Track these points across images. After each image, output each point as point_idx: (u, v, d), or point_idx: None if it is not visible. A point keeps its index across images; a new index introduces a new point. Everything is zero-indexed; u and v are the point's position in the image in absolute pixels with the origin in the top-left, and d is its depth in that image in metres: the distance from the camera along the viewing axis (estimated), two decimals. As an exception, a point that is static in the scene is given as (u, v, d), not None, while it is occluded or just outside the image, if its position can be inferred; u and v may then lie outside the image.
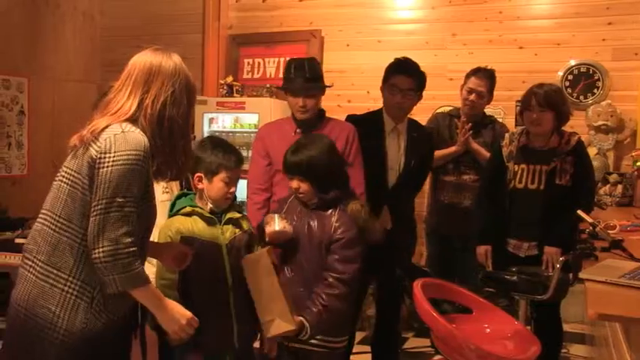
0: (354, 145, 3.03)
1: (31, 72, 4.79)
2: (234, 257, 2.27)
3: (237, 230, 2.32)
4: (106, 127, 1.66)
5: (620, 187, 4.19)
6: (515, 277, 2.94)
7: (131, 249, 1.59)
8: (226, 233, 2.29)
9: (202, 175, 2.29)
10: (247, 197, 3.02)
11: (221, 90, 4.99)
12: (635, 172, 4.12)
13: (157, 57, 1.77)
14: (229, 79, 5.00)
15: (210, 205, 2.29)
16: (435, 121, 3.89)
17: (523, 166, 3.15)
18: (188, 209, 2.27)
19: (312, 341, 2.33)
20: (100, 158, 1.62)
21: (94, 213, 1.61)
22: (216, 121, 4.87)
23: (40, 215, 1.74)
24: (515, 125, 4.25)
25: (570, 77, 4.64)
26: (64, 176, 1.71)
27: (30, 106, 4.73)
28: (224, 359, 2.22)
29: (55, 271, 1.65)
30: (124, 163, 1.61)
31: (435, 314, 2.42)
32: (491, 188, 3.27)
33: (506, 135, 3.30)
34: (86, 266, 1.66)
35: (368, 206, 2.46)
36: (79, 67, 5.21)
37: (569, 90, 4.62)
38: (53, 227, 1.68)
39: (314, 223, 2.38)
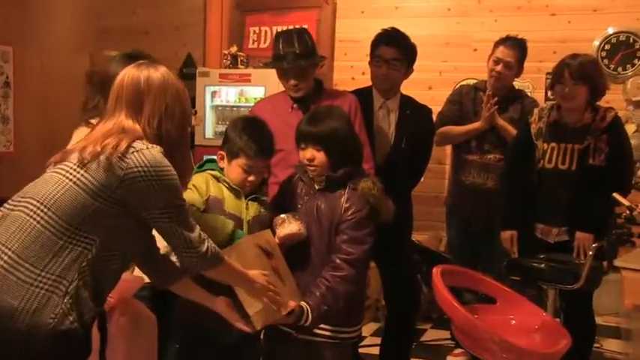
0: (358, 117, 3.04)
1: (16, 40, 4.74)
2: (252, 231, 2.32)
3: (262, 209, 2.40)
4: (129, 145, 1.74)
5: (661, 168, 4.19)
6: (543, 265, 2.95)
7: (208, 243, 1.84)
8: (250, 209, 2.36)
9: (224, 153, 2.36)
10: None
11: (224, 61, 5.01)
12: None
13: (142, 73, 1.84)
14: (233, 49, 5.01)
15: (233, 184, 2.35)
16: (459, 95, 3.90)
17: (553, 144, 3.16)
18: (217, 173, 2.35)
19: (321, 331, 2.33)
20: (137, 172, 1.73)
21: (162, 222, 1.79)
22: (219, 94, 4.89)
23: (20, 202, 1.75)
24: (545, 100, 4.28)
25: (607, 47, 4.61)
26: (70, 173, 1.73)
27: (16, 78, 4.69)
28: (230, 335, 2.23)
29: (26, 265, 1.66)
30: (167, 176, 1.77)
31: (455, 304, 2.42)
32: (517, 168, 3.27)
33: (535, 110, 3.30)
34: (65, 261, 1.67)
35: (380, 183, 2.45)
36: (70, 35, 5.14)
37: (606, 61, 4.59)
38: (37, 219, 1.69)
39: (322, 205, 2.37)
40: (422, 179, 3.66)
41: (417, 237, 4.18)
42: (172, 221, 1.77)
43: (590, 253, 2.79)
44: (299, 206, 2.43)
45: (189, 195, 2.19)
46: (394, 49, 3.22)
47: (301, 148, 2.39)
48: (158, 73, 1.84)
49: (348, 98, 3.10)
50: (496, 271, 3.22)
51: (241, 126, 2.37)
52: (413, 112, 3.36)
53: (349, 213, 2.32)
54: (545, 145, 3.16)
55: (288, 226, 2.33)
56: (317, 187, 2.40)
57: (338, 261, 2.29)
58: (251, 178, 2.33)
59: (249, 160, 2.31)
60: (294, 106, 3.02)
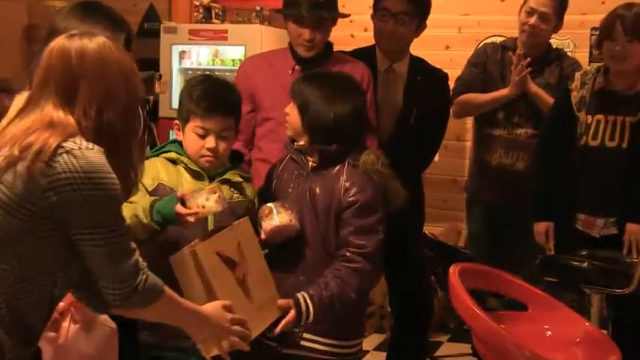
0: (369, 91, 3.13)
1: None
2: (222, 222, 2.27)
3: (235, 194, 2.40)
4: (58, 145, 1.66)
5: None
6: (585, 264, 2.95)
7: (143, 274, 1.72)
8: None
9: (178, 122, 2.41)
10: None
11: (196, 14, 5.14)
12: None
13: (74, 45, 1.74)
14: None
15: (193, 164, 2.36)
16: (482, 55, 3.92)
17: (599, 116, 3.17)
18: (173, 155, 2.37)
19: (313, 344, 2.33)
20: (64, 180, 1.63)
21: (91, 246, 1.69)
22: (189, 55, 4.99)
23: None
24: (590, 62, 4.26)
25: None
26: None
27: None
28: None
29: None
30: (104, 186, 1.68)
31: (477, 311, 2.42)
32: (554, 145, 3.30)
33: (577, 75, 3.31)
34: None
35: (386, 157, 2.45)
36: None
37: None
38: None
39: (317, 189, 2.39)
40: (436, 159, 3.74)
41: (430, 229, 4.25)
42: (104, 247, 1.68)
43: (645, 249, 2.81)
44: (289, 191, 2.45)
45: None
46: (403, 1, 3.28)
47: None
48: (94, 44, 1.75)
49: (360, 68, 3.16)
50: (528, 271, 3.25)
51: (193, 83, 2.43)
52: (425, 77, 3.41)
53: (350, 195, 2.35)
54: (590, 118, 3.17)
55: (277, 217, 2.30)
56: (310, 168, 2.43)
57: (349, 254, 2.32)
58: (208, 144, 2.32)
59: (201, 120, 2.32)
60: (297, 67, 3.06)
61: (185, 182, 2.33)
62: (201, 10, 5.03)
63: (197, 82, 2.45)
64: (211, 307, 1.92)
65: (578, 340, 2.64)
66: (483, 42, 4.51)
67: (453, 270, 2.64)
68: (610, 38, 3.12)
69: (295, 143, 2.48)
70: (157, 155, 2.40)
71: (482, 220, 3.97)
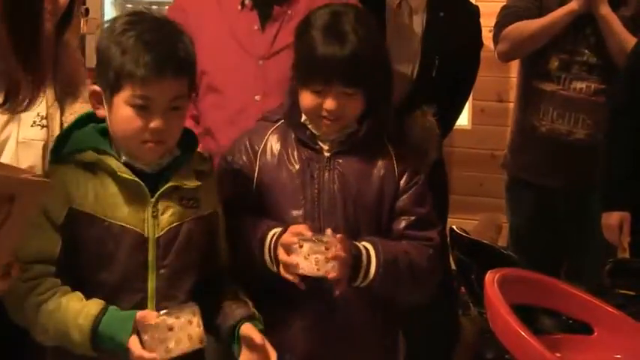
0: None
1: None
2: (169, 258, 2.14)
3: (187, 211, 2.19)
4: None
5: None
6: None
7: None
8: (163, 214, 2.14)
9: (99, 90, 2.13)
10: None
11: None
12: None
13: None
14: None
15: (124, 158, 2.12)
16: None
17: None
18: (91, 155, 2.09)
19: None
20: None
21: None
22: None
23: None
24: None
25: None
26: None
27: None
28: None
29: None
30: None
31: (524, 334, 2.29)
32: (633, 108, 3.32)
33: None
34: None
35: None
36: None
37: None
38: None
39: (353, 180, 2.41)
40: (467, 125, 4.12)
41: (458, 222, 4.18)
42: None
43: None
44: (298, 187, 2.40)
45: (37, 240, 2.01)
46: None
47: (313, 90, 2.33)
48: None
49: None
50: (594, 279, 3.19)
51: (119, 26, 2.09)
52: (450, 13, 3.44)
53: (405, 178, 2.46)
54: None
55: (312, 263, 2.26)
56: (327, 151, 2.43)
57: (415, 243, 2.46)
58: (155, 123, 2.06)
59: (141, 86, 2.04)
60: (247, 2, 3.04)
61: (114, 201, 2.08)
62: None
63: (126, 24, 2.11)
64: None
65: None
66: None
67: (491, 278, 2.50)
68: None
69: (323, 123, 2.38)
70: (65, 160, 2.12)
71: (529, 210, 4.03)
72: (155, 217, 2.12)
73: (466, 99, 3.85)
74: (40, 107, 2.64)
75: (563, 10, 3.81)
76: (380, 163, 2.43)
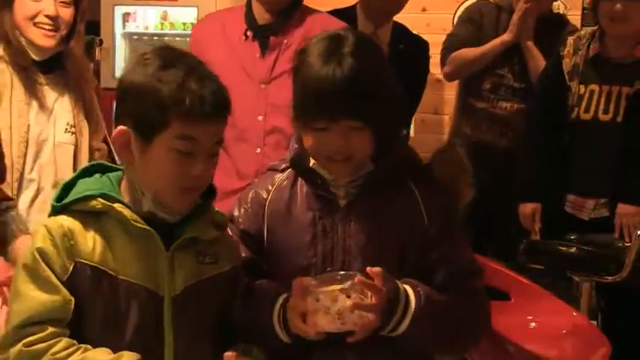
0: None
1: None
2: (187, 319, 1.74)
3: (206, 268, 1.78)
4: None
5: None
6: (574, 249, 2.99)
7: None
8: (179, 270, 1.73)
9: (130, 129, 1.68)
10: None
11: None
12: None
13: None
14: None
15: (148, 205, 1.71)
16: (478, 13, 4.01)
17: (593, 86, 3.21)
18: (97, 203, 1.69)
19: None
20: None
21: None
22: (134, 17, 5.04)
23: None
24: (582, 26, 4.38)
25: None
26: None
27: None
28: None
29: None
30: None
31: None
32: (543, 119, 3.34)
33: (570, 40, 3.36)
34: None
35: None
36: None
37: None
38: None
39: (372, 232, 1.87)
40: (411, 134, 3.99)
41: None
42: None
43: (639, 233, 2.84)
44: (308, 242, 1.90)
45: (24, 302, 1.63)
46: None
47: (317, 127, 1.82)
48: None
49: (336, 25, 2.84)
50: (511, 258, 3.27)
51: (158, 62, 1.67)
52: (407, 45, 3.51)
53: (435, 227, 1.87)
54: (583, 88, 3.21)
55: (346, 318, 1.71)
56: (341, 199, 1.89)
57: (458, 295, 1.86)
58: (197, 170, 1.67)
59: (197, 126, 1.65)
60: (248, 33, 2.92)
61: (125, 254, 1.69)
62: (147, -34, 5.00)
63: (166, 59, 1.69)
64: None
65: (565, 331, 2.67)
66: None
67: None
68: None
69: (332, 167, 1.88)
70: (69, 209, 1.71)
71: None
72: (171, 272, 1.72)
73: (413, 114, 3.90)
74: (69, 117, 2.69)
75: (497, 40, 3.80)
76: (404, 208, 1.88)
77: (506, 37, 3.77)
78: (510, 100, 3.78)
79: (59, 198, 1.72)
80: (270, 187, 2.00)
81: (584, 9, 4.51)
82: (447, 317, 1.81)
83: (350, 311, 1.68)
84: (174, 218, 1.72)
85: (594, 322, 3.00)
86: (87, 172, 1.80)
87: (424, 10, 4.86)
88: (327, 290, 1.70)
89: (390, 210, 1.89)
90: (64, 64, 2.70)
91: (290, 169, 1.99)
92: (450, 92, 4.46)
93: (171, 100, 1.61)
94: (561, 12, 4.57)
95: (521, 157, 3.46)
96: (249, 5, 2.97)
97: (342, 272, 1.76)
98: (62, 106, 2.69)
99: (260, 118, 2.93)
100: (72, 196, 1.71)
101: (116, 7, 4.96)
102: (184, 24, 4.88)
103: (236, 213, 2.01)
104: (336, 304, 1.69)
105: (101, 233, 1.69)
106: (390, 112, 1.85)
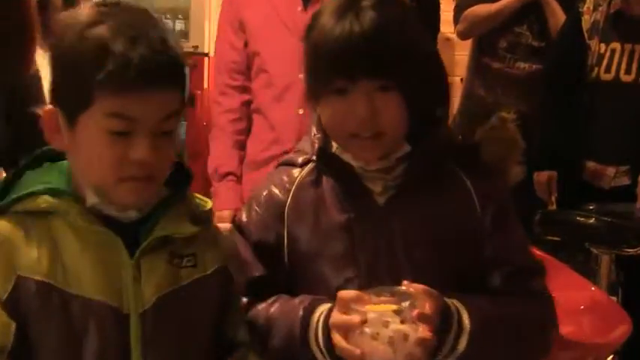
0: None
1: None
2: (160, 340, 1.46)
3: (182, 273, 1.49)
4: None
5: None
6: (593, 220, 2.96)
7: None
8: (148, 279, 1.45)
9: (55, 110, 1.43)
10: (212, 103, 2.98)
11: None
12: None
13: None
14: None
15: (92, 200, 1.43)
16: None
17: (615, 44, 3.17)
18: (44, 201, 1.42)
19: None
20: None
21: None
22: None
23: None
24: None
25: None
26: None
27: None
28: None
29: None
30: None
31: None
32: (561, 80, 3.31)
33: None
34: None
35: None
36: None
37: None
38: None
39: (421, 231, 1.64)
40: None
41: None
42: None
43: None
44: (346, 263, 1.64)
45: None
46: None
47: (334, 90, 1.58)
48: None
49: None
50: (526, 229, 3.13)
51: (88, 19, 1.38)
52: (418, 2, 3.40)
53: (489, 218, 1.66)
54: (603, 47, 3.18)
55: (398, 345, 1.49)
56: (380, 193, 1.64)
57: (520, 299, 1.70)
58: (137, 152, 1.36)
59: (121, 102, 1.35)
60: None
61: (78, 264, 1.41)
62: None
63: (95, 15, 1.39)
64: None
65: (583, 307, 2.60)
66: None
67: None
68: None
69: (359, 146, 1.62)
70: (8, 211, 1.42)
71: None
72: (137, 283, 1.43)
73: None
74: None
75: None
76: (453, 199, 1.65)
77: None
78: (529, 60, 3.83)
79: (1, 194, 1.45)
80: (288, 186, 1.70)
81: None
82: (509, 329, 1.59)
83: (403, 339, 1.44)
84: (129, 217, 1.44)
85: (614, 298, 2.95)
86: (36, 161, 1.50)
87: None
88: (378, 310, 1.46)
89: (439, 203, 1.63)
90: None
91: (310, 164, 1.70)
92: (462, 52, 4.57)
93: (91, 68, 1.32)
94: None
95: (537, 121, 3.42)
96: None
97: (393, 288, 1.49)
98: None
99: (301, 76, 2.67)
100: (13, 193, 1.42)
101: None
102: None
103: (245, 219, 1.71)
104: (386, 329, 1.44)
105: (48, 239, 1.40)
106: (421, 72, 1.58)
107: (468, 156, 1.69)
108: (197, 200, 1.55)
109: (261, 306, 1.62)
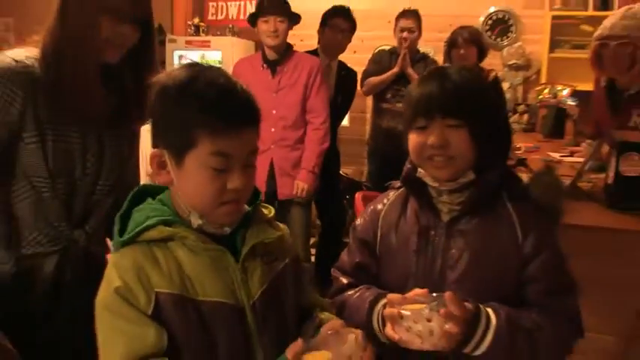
0: (318, 76, 4.12)
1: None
2: (269, 324, 1.63)
3: (271, 267, 1.67)
4: None
5: (526, 116, 6.23)
6: None
7: None
8: (252, 277, 1.62)
9: (162, 152, 1.54)
10: None
11: (189, 30, 6.67)
12: (538, 104, 5.97)
13: None
14: (196, 20, 6.68)
15: (197, 222, 1.57)
16: (379, 56, 5.42)
17: None
18: (163, 230, 1.55)
19: None
20: None
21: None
22: (185, 58, 6.28)
23: None
24: (444, 61, 5.46)
25: (489, 22, 6.65)
26: None
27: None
28: None
29: None
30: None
31: None
32: None
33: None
34: None
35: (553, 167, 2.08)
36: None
37: (489, 33, 6.59)
38: None
39: (473, 247, 1.79)
40: (347, 125, 5.26)
41: (344, 170, 5.79)
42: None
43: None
44: (410, 262, 1.86)
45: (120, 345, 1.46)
46: (349, 23, 4.71)
47: (417, 127, 1.80)
48: None
49: (311, 60, 4.10)
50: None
51: (187, 77, 1.50)
52: (346, 73, 4.96)
53: (529, 245, 1.79)
54: None
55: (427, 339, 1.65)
56: (446, 213, 1.84)
57: (548, 313, 1.75)
58: (233, 184, 1.51)
59: (222, 142, 1.48)
60: (264, 65, 3.89)
61: (200, 276, 1.55)
62: (192, 27, 6.53)
63: (189, 75, 1.51)
64: None
65: None
66: (378, 48, 6.07)
67: (358, 196, 3.20)
68: (455, 46, 4.65)
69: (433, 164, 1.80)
70: (133, 242, 1.54)
71: (377, 164, 5.34)
72: (244, 282, 1.60)
73: (346, 113, 5.18)
74: None
75: (390, 72, 5.04)
76: (501, 226, 1.81)
77: (395, 69, 5.06)
78: (402, 101, 4.52)
79: (120, 232, 1.55)
80: (385, 201, 1.96)
81: (444, 54, 5.40)
82: (532, 342, 1.70)
83: (429, 334, 1.60)
84: (224, 231, 1.58)
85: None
86: (137, 199, 1.62)
87: (355, 52, 5.99)
88: (411, 309, 1.63)
89: (488, 226, 1.78)
90: None
91: (403, 189, 1.93)
92: (370, 100, 5.62)
93: (195, 117, 1.45)
94: (431, 54, 5.96)
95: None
96: (262, 50, 4.02)
97: (434, 294, 1.64)
98: None
99: (274, 111, 4.00)
100: (132, 227, 1.54)
101: (175, 51, 6.29)
102: (214, 61, 6.15)
103: (358, 222, 1.98)
104: (417, 324, 1.61)
105: (172, 259, 1.53)
106: (485, 113, 1.75)
107: (519, 192, 1.85)
108: (264, 209, 1.71)
109: (348, 293, 1.91)
